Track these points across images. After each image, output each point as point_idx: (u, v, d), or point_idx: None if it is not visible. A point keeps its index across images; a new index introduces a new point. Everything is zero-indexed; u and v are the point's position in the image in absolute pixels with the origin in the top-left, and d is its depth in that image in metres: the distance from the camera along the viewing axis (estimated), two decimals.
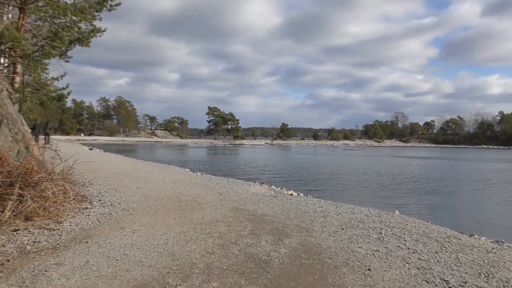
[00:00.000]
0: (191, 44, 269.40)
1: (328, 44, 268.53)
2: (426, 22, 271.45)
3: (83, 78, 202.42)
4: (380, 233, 5.88)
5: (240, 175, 22.51)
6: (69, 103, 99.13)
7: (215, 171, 24.57)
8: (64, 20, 10.78)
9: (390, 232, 5.95)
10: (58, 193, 6.70)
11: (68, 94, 10.42)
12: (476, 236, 7.27)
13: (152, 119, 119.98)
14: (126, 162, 18.43)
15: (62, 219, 5.95)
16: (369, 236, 5.68)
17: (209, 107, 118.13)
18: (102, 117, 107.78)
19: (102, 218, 6.32)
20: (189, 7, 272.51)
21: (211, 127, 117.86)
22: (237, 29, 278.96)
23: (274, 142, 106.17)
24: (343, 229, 6.08)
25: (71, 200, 6.83)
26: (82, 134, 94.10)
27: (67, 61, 12.16)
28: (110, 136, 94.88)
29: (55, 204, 6.49)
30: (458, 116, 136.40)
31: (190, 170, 18.68)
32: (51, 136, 31.79)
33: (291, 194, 11.68)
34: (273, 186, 13.93)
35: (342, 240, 5.42)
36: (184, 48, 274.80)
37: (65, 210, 6.56)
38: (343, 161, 41.57)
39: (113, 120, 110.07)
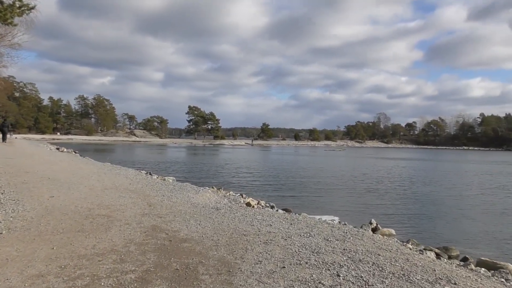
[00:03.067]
0: (177, 44, 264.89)
1: (314, 45, 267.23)
2: (413, 25, 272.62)
3: (65, 76, 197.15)
4: (338, 274, 3.93)
5: (209, 178, 20.55)
6: (45, 101, 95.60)
7: (182, 174, 22.54)
8: None
9: (354, 273, 4.00)
10: None
11: None
12: (473, 268, 5.43)
13: (131, 118, 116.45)
14: (71, 163, 16.17)
15: None
16: (320, 282, 3.71)
17: (189, 107, 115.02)
18: (80, 115, 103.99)
19: None
20: (177, 6, 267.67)
21: (191, 126, 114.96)
22: (224, 29, 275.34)
23: (255, 142, 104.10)
24: (284, 267, 4.10)
25: None
26: (58, 133, 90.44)
27: None
28: (87, 135, 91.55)
29: None
30: (440, 118, 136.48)
31: (146, 173, 16.58)
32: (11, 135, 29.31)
33: (248, 204, 9.71)
34: (231, 193, 11.95)
35: None
36: (170, 47, 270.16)
37: None
38: (323, 162, 39.82)
39: (91, 119, 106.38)
